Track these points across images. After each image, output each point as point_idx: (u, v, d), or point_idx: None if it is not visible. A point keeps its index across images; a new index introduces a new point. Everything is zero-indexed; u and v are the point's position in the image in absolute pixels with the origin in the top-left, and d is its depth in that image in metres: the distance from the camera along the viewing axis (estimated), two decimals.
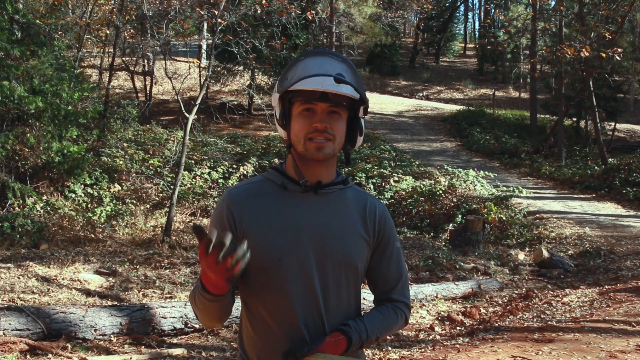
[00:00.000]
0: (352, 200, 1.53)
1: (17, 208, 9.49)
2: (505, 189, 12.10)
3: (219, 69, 19.10)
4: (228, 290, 1.36)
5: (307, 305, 1.44)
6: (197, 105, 9.35)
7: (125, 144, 12.67)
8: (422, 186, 11.39)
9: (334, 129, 1.42)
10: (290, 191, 1.48)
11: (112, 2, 16.07)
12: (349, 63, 1.46)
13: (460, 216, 10.02)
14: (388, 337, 4.98)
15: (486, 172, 12.44)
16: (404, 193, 11.29)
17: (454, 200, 10.70)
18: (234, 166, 12.75)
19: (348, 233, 1.48)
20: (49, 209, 9.82)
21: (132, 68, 20.53)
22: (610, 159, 14.69)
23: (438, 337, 5.09)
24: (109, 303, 5.59)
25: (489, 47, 26.78)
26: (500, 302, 6.40)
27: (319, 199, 1.48)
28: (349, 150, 1.54)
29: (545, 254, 7.95)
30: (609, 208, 11.69)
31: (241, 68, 18.89)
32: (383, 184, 11.84)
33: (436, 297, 6.32)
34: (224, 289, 1.34)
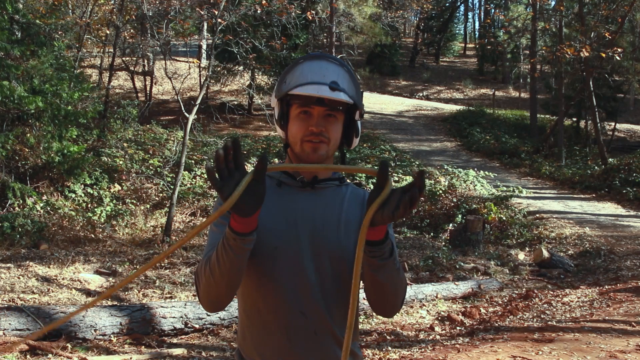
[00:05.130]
0: (349, 195, 1.57)
1: (17, 208, 9.49)
2: (505, 189, 12.09)
3: (219, 69, 19.09)
4: (254, 228, 1.31)
5: (304, 295, 1.46)
6: (197, 105, 9.35)
7: (125, 144, 12.68)
8: None
9: (330, 132, 1.48)
10: (288, 186, 1.53)
11: (112, 2, 16.08)
12: (346, 67, 1.53)
13: (460, 216, 10.02)
14: (388, 337, 4.98)
15: (486, 172, 12.43)
16: None
17: (454, 200, 10.70)
18: None
19: (344, 225, 1.51)
20: (49, 209, 9.82)
21: (132, 68, 20.53)
22: (610, 159, 14.68)
23: (438, 337, 5.09)
24: (109, 303, 5.59)
25: (489, 47, 26.80)
26: (500, 302, 6.40)
27: (315, 193, 1.53)
28: (344, 151, 1.61)
29: (545, 254, 7.95)
30: (609, 208, 11.68)
31: (241, 68, 18.88)
32: None
33: (436, 297, 6.32)
34: (251, 222, 1.29)
